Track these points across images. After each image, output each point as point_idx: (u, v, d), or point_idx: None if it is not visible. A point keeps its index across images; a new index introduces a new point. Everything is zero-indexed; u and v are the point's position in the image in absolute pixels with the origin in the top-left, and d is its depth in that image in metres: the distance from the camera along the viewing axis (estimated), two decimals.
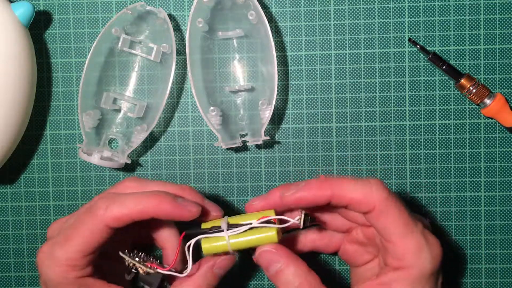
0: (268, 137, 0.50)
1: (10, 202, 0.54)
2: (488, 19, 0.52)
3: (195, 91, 0.50)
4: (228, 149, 0.53)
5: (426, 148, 0.53)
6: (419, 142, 0.53)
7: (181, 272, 0.45)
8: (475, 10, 0.52)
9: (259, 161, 0.53)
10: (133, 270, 0.45)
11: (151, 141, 0.54)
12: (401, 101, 0.52)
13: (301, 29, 0.53)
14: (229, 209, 0.53)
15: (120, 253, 0.44)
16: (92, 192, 0.54)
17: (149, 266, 0.44)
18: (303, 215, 0.44)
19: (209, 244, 0.44)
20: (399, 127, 0.53)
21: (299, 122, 0.53)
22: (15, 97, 0.49)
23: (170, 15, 0.53)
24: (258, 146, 0.53)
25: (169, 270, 0.45)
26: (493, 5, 0.52)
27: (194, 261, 0.44)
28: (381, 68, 0.52)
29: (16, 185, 0.54)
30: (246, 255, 0.54)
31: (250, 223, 0.44)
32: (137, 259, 0.44)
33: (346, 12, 0.52)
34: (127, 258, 0.44)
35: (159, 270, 0.44)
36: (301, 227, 0.44)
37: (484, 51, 0.52)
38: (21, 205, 0.54)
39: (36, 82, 0.52)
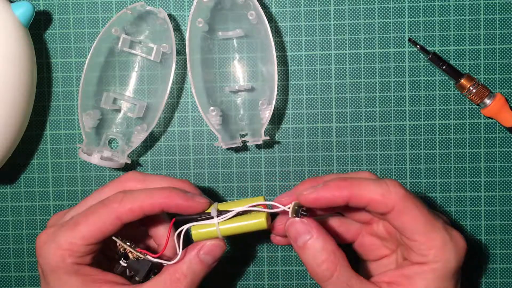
0: (268, 137, 0.50)
1: (10, 202, 0.54)
2: (488, 19, 0.52)
3: (195, 91, 0.50)
4: (228, 149, 0.53)
5: (426, 148, 0.53)
6: (419, 142, 0.53)
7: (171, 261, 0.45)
8: (475, 10, 0.52)
9: (259, 161, 0.53)
10: (121, 261, 0.45)
11: (151, 141, 0.54)
12: (401, 101, 0.52)
13: (301, 29, 0.53)
14: None
15: (113, 237, 0.44)
16: (92, 192, 0.54)
17: (139, 251, 0.45)
18: (292, 204, 0.43)
19: (199, 230, 0.44)
20: (399, 127, 0.53)
21: (299, 122, 0.53)
22: (15, 97, 0.49)
23: (170, 15, 0.53)
24: (258, 146, 0.53)
25: (159, 258, 0.45)
26: (493, 5, 0.52)
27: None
28: (381, 68, 0.52)
29: (16, 185, 0.54)
30: (245, 254, 0.54)
31: (239, 210, 0.44)
32: (128, 243, 0.45)
33: (346, 12, 0.52)
34: (119, 242, 0.44)
35: (148, 256, 0.44)
36: (289, 216, 0.43)
37: (484, 51, 0.52)
38: (21, 205, 0.54)
39: (36, 82, 0.52)
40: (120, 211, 0.43)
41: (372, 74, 0.52)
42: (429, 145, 0.53)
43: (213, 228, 0.44)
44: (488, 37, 0.52)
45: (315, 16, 0.52)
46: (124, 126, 0.53)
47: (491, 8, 0.52)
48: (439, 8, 0.52)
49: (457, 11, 0.52)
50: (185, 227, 0.44)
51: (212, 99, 0.51)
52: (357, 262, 0.48)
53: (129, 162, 0.51)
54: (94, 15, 0.53)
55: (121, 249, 0.45)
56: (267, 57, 0.50)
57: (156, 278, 0.44)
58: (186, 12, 0.53)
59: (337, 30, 0.52)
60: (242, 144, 0.51)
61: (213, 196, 0.53)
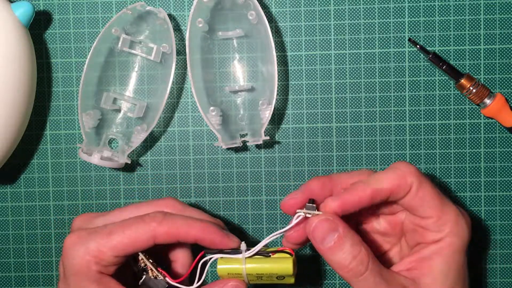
0: (268, 137, 0.50)
1: (10, 202, 0.54)
2: (488, 19, 0.52)
3: (195, 91, 0.50)
4: (228, 149, 0.53)
5: (426, 148, 0.53)
6: (419, 142, 0.53)
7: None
8: (475, 10, 0.52)
9: (259, 161, 0.53)
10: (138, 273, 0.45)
11: (151, 141, 0.54)
12: (401, 101, 0.52)
13: (301, 29, 0.53)
14: (229, 209, 0.53)
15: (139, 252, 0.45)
16: (92, 192, 0.54)
17: (160, 271, 0.45)
18: (304, 208, 0.43)
19: (225, 265, 0.44)
20: (399, 127, 0.53)
21: (299, 122, 0.53)
22: (15, 97, 0.49)
23: (170, 15, 0.53)
24: (258, 146, 0.53)
25: (178, 283, 0.45)
26: (493, 5, 0.52)
27: (203, 282, 0.44)
28: (381, 68, 0.52)
29: (16, 185, 0.54)
30: None
31: (268, 253, 0.44)
32: (151, 260, 0.45)
33: (346, 12, 0.52)
34: (141, 256, 0.45)
35: (168, 279, 0.45)
36: (315, 212, 0.43)
37: (484, 51, 0.52)
38: (21, 205, 0.54)
39: (36, 82, 0.52)
40: (157, 231, 0.43)
41: (372, 74, 0.52)
42: (429, 145, 0.53)
43: (240, 266, 0.44)
44: (488, 37, 0.52)
45: (315, 16, 0.52)
46: (124, 126, 0.53)
47: (491, 8, 0.52)
48: (439, 8, 0.52)
49: (457, 11, 0.52)
50: (214, 256, 0.44)
51: (212, 99, 0.51)
52: None
53: (129, 162, 0.52)
54: (94, 15, 0.53)
55: (142, 264, 0.45)
56: (267, 57, 0.50)
57: None
58: (186, 12, 0.53)
59: (337, 30, 0.52)
60: (242, 144, 0.51)
61: (214, 195, 0.53)
